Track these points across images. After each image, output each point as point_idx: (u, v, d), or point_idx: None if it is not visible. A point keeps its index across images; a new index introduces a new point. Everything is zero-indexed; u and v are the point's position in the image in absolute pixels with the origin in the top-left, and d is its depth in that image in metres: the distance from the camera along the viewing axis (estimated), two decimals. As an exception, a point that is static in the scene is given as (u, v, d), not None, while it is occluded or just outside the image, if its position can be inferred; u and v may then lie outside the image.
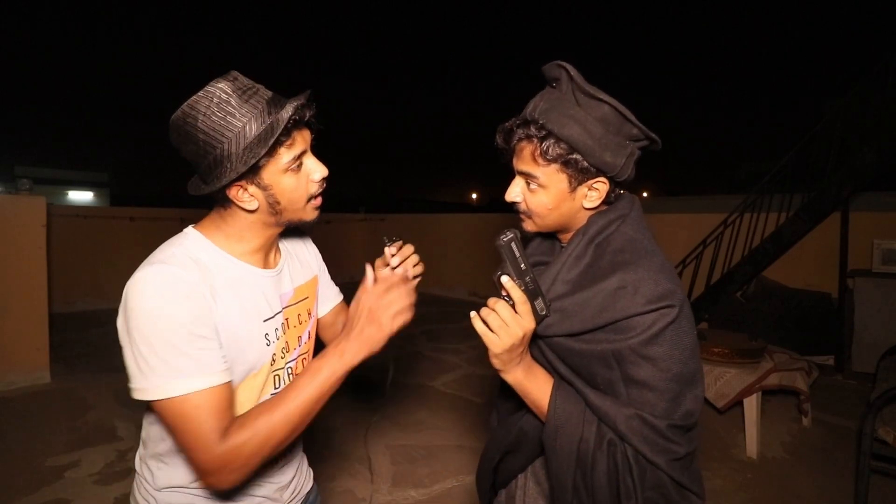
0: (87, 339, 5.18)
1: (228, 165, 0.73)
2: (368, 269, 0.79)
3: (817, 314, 4.51)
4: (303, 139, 0.79)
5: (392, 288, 0.77)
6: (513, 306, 0.73)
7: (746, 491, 2.47)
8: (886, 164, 3.84)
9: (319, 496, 1.09)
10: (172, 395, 0.70)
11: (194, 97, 0.73)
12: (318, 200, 0.85)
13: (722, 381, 2.84)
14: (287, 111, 0.73)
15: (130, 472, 2.54)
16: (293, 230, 0.96)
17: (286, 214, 0.81)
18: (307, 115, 0.77)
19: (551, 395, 0.79)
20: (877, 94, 4.18)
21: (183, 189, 0.83)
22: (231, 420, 0.73)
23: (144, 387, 0.70)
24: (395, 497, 2.42)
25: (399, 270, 0.81)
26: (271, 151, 0.74)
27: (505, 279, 0.73)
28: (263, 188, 0.77)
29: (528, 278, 0.74)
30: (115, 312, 0.74)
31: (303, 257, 1.01)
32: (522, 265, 0.73)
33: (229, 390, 0.75)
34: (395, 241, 0.88)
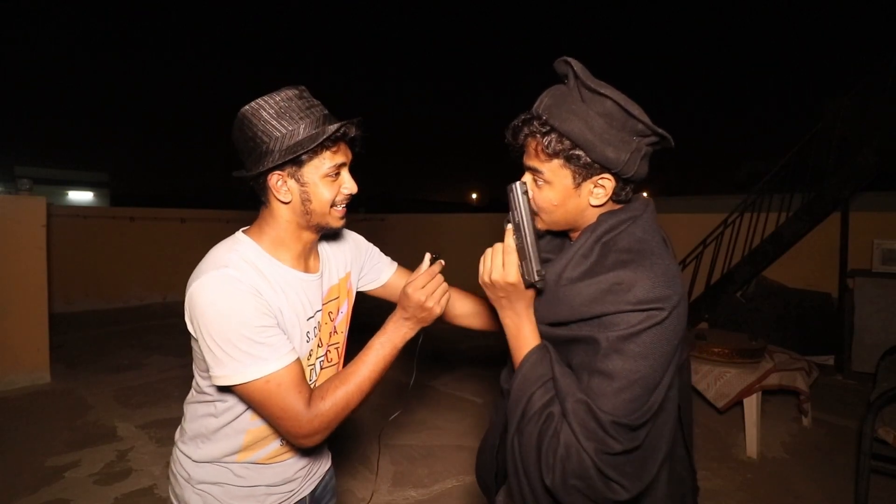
0: (87, 339, 5.17)
1: (276, 155, 0.84)
2: (425, 262, 0.92)
3: (817, 314, 4.52)
4: (345, 153, 0.90)
5: (432, 280, 0.91)
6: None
7: (746, 491, 2.47)
8: (886, 164, 3.85)
9: (335, 477, 1.23)
10: (255, 377, 0.80)
11: (263, 97, 0.84)
12: (343, 210, 0.94)
13: (722, 381, 2.84)
14: (336, 124, 0.85)
15: (130, 471, 2.55)
16: (331, 234, 1.08)
17: (315, 217, 0.91)
18: (353, 132, 0.88)
19: (532, 348, 0.81)
20: (877, 94, 4.19)
21: (183, 189, 0.85)
22: (309, 391, 0.85)
23: (227, 374, 0.81)
24: (395, 497, 2.42)
25: (436, 267, 0.94)
26: (317, 151, 0.85)
27: (508, 226, 0.78)
28: (301, 184, 0.87)
29: (524, 233, 0.77)
30: (114, 312, 0.76)
31: (339, 257, 1.10)
32: (523, 220, 0.77)
33: (300, 365, 0.87)
34: (437, 259, 0.97)
